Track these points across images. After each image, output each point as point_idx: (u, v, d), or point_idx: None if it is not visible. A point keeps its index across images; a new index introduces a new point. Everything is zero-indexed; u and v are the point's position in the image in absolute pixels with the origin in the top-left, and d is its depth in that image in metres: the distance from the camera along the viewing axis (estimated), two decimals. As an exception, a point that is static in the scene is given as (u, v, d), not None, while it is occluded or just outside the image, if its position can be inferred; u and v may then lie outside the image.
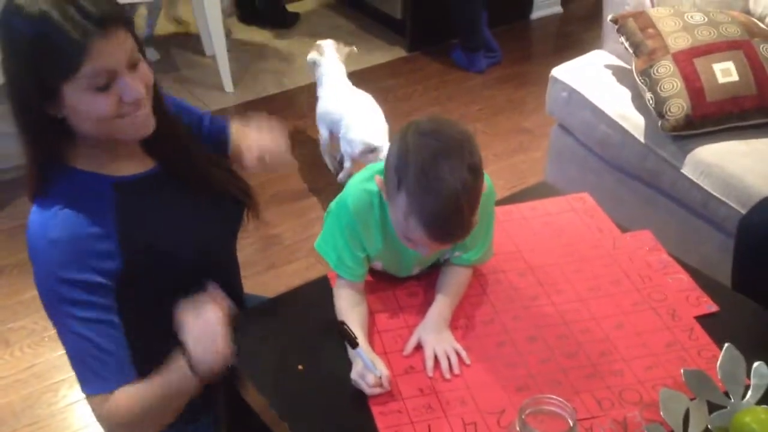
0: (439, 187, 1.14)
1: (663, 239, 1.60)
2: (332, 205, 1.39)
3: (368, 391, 1.22)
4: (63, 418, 2.12)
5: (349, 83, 2.88)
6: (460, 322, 1.39)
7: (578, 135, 2.40)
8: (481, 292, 1.47)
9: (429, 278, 1.47)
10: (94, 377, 1.16)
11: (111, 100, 1.09)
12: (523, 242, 1.59)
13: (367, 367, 1.22)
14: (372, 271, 1.45)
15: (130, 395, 1.17)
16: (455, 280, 1.44)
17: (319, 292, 1.43)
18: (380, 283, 1.47)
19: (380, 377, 1.21)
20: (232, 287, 1.41)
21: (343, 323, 1.26)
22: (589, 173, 2.40)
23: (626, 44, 2.21)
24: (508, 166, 3.11)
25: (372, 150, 2.57)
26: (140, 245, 1.18)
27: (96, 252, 1.14)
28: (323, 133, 2.87)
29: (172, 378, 1.16)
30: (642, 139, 2.17)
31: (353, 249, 1.36)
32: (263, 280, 2.41)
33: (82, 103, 1.08)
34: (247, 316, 1.42)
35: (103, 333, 1.15)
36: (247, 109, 3.51)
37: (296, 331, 1.39)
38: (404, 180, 1.17)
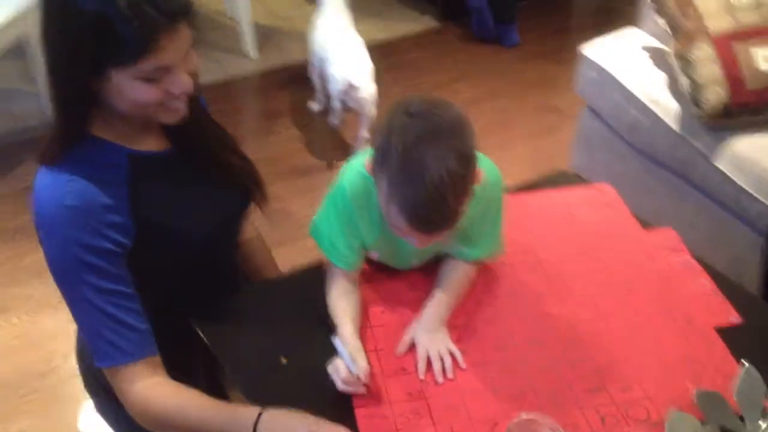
0: (421, 174, 1.06)
1: (690, 234, 1.51)
2: (333, 184, 1.32)
3: (341, 386, 1.15)
4: (55, 389, 2.09)
5: (347, 20, 2.88)
6: (458, 320, 1.31)
7: (607, 118, 2.30)
8: (485, 288, 1.38)
9: (433, 270, 1.38)
10: (113, 350, 1.14)
11: (158, 91, 1.08)
12: (536, 234, 1.51)
13: (344, 360, 1.14)
14: (371, 261, 1.38)
15: (177, 393, 1.16)
16: (455, 276, 1.36)
17: (312, 279, 1.35)
18: (378, 273, 1.40)
19: (356, 374, 1.13)
20: (235, 271, 1.43)
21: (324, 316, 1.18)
22: (616, 160, 2.31)
23: (663, 23, 2.09)
24: (535, 148, 3.02)
25: (353, 88, 2.67)
26: (152, 221, 1.17)
27: (110, 223, 1.12)
28: (312, 63, 2.99)
29: (228, 419, 1.12)
30: (674, 127, 2.07)
31: (348, 236, 1.29)
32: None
33: (128, 89, 1.07)
34: (232, 301, 1.36)
35: (120, 304, 1.13)
36: (271, 77, 3.43)
37: (284, 320, 1.33)
38: (386, 163, 1.10)
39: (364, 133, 2.85)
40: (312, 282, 1.35)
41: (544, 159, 2.90)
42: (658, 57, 2.22)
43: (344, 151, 2.98)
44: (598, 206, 1.58)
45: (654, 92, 2.15)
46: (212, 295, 1.33)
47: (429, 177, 1.07)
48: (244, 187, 1.35)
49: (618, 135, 2.28)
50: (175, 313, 1.27)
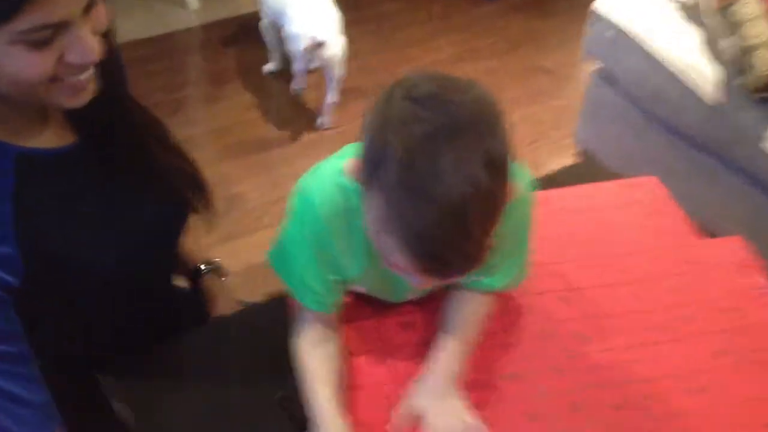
0: (432, 191, 0.74)
1: (725, 225, 1.32)
2: (295, 198, 0.98)
3: None
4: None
5: None
6: (475, 376, 1.02)
7: (624, 86, 2.08)
8: (505, 326, 1.10)
9: (432, 302, 1.09)
10: None
11: (48, 60, 0.83)
12: (563, 249, 1.22)
13: None
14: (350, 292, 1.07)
15: None
16: (469, 314, 1.05)
17: (273, 317, 1.07)
18: (361, 307, 1.10)
19: None
20: (166, 298, 1.21)
21: (285, 398, 0.88)
22: (633, 135, 2.10)
23: None
24: (526, 116, 2.78)
25: (318, 45, 2.39)
26: (48, 250, 0.93)
27: None
28: (264, 16, 2.73)
29: None
30: (710, 99, 1.85)
31: (322, 269, 0.97)
32: (217, 255, 2.01)
33: (7, 60, 0.81)
34: (160, 353, 1.07)
35: (5, 370, 0.90)
36: (215, 31, 3.18)
37: (232, 378, 1.03)
38: (380, 172, 0.76)
39: (332, 98, 2.61)
40: (272, 320, 1.06)
41: (538, 130, 2.68)
42: (690, 14, 2.00)
43: (308, 120, 2.71)
44: (643, 210, 1.29)
45: (685, 56, 1.92)
46: (135, 345, 1.06)
47: (444, 196, 0.73)
48: (179, 195, 1.10)
49: (636, 105, 2.06)
50: (83, 373, 1.04)
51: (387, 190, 0.76)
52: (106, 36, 0.88)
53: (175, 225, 1.13)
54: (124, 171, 1.02)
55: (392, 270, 0.86)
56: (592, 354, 1.06)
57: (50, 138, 0.96)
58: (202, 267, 1.27)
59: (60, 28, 0.81)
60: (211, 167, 2.33)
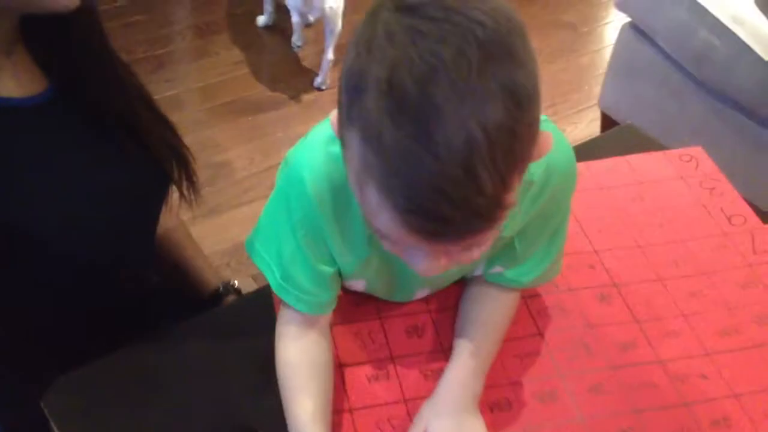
0: (429, 126, 0.56)
1: None
2: (281, 173, 0.82)
3: None
4: None
5: None
6: (497, 393, 0.87)
7: (663, 42, 1.94)
8: (536, 331, 0.94)
9: (445, 301, 0.95)
10: None
11: None
12: (601, 235, 1.06)
13: None
14: (346, 289, 0.92)
15: None
16: (490, 316, 0.91)
17: (252, 318, 0.93)
18: (358, 308, 0.95)
19: None
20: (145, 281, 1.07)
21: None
22: (672, 100, 1.96)
23: None
24: (550, 76, 2.65)
25: None
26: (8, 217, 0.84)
27: None
28: None
29: None
30: (767, 57, 1.70)
31: (311, 260, 0.82)
32: (198, 233, 1.86)
33: None
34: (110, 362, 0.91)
35: None
36: None
37: (202, 395, 0.87)
38: (358, 104, 0.59)
39: (330, 56, 2.49)
40: (252, 322, 0.92)
41: (560, 92, 2.55)
42: None
43: (305, 79, 2.58)
44: (689, 185, 1.14)
45: (736, 5, 1.78)
46: (86, 352, 0.91)
47: (442, 133, 0.56)
48: (159, 163, 0.99)
49: (677, 65, 1.93)
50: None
51: (364, 121, 0.58)
52: None
53: (156, 194, 1.01)
54: (100, 127, 0.90)
55: (385, 246, 0.69)
56: (642, 368, 0.90)
57: (20, 84, 0.85)
58: (220, 288, 1.15)
59: None
60: (196, 131, 2.21)
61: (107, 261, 0.95)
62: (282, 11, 2.59)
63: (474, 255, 0.68)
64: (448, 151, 0.55)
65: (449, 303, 0.94)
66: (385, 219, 0.61)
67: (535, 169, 0.74)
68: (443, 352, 0.90)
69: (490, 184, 0.57)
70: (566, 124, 2.34)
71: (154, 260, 1.10)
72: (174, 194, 1.05)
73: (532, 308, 0.95)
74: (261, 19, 2.76)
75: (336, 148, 0.72)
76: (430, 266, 0.68)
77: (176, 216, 1.14)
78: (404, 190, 0.58)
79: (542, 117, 0.65)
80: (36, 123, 0.88)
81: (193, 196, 1.05)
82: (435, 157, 0.55)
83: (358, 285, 0.90)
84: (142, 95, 1.01)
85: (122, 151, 0.94)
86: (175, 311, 1.06)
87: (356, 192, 0.64)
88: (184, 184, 1.04)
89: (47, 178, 0.88)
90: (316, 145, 0.77)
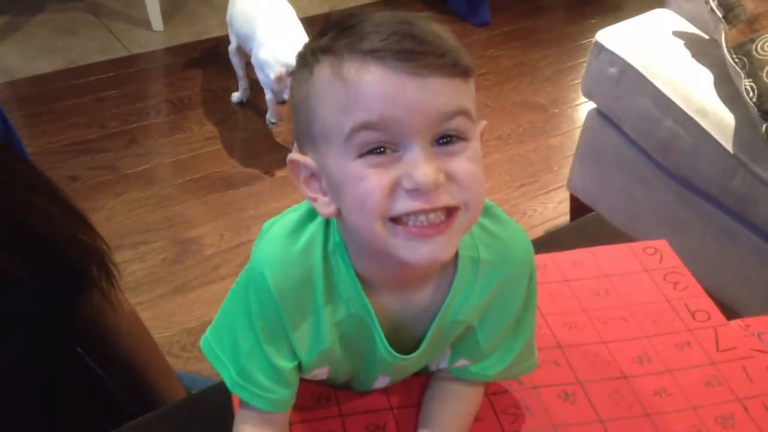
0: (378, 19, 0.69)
1: (741, 293, 1.25)
2: (242, 273, 0.81)
3: None
4: None
5: None
6: None
7: (629, 130, 1.91)
8: (497, 428, 0.91)
9: (408, 398, 0.92)
10: None
11: None
12: (566, 330, 1.04)
13: None
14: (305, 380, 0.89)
15: None
16: (456, 414, 0.89)
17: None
18: (318, 403, 0.92)
19: None
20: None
21: None
22: (639, 186, 1.93)
23: (712, 5, 1.69)
24: (515, 156, 2.67)
25: (291, 74, 2.23)
26: None
27: None
28: (232, 41, 2.63)
29: None
30: (730, 147, 1.68)
31: (272, 355, 0.79)
32: (165, 311, 1.83)
33: None
34: None
35: None
36: (180, 55, 3.06)
37: None
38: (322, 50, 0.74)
39: None
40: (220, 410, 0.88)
41: (529, 172, 2.55)
42: (704, 50, 1.83)
43: (277, 156, 2.54)
44: (652, 277, 1.13)
45: (700, 98, 1.75)
46: None
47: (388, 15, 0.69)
48: (70, 265, 0.92)
49: (643, 152, 1.89)
50: None
51: (334, 45, 0.71)
52: None
53: (65, 302, 0.94)
54: None
55: (367, 161, 0.66)
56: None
57: None
58: None
59: None
60: (166, 206, 2.18)
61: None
62: (257, 88, 2.56)
63: (464, 165, 0.67)
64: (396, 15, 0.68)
65: (412, 400, 0.91)
66: (365, 83, 0.65)
67: (482, 247, 0.77)
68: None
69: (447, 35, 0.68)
70: (536, 204, 2.33)
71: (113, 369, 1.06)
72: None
73: (496, 407, 0.93)
74: (235, 96, 2.74)
75: (297, 243, 0.73)
76: (425, 170, 0.65)
77: (123, 310, 1.07)
78: (374, 34, 0.66)
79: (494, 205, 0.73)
80: None
81: (112, 293, 0.99)
82: (392, 16, 0.68)
83: (321, 374, 0.87)
84: (48, 189, 0.94)
85: (26, 254, 0.86)
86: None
87: (331, 112, 0.68)
88: (103, 279, 0.97)
89: None
90: (277, 239, 0.77)
